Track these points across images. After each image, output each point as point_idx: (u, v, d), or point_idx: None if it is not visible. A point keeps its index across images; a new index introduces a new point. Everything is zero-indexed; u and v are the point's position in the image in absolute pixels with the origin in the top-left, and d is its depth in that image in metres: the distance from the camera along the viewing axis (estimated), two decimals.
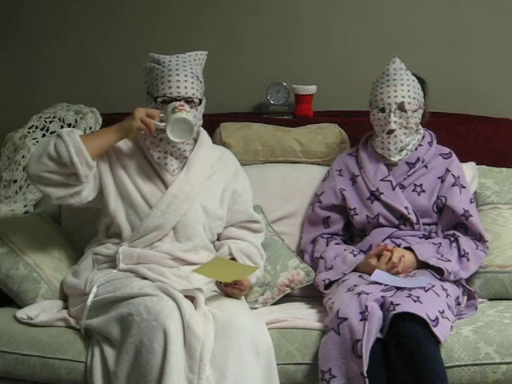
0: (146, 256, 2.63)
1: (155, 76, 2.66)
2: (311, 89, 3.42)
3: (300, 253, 2.98)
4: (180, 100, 2.62)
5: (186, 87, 2.63)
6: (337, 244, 2.92)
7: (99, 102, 3.39)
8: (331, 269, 2.81)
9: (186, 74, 2.64)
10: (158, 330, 2.31)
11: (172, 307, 2.37)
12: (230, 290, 2.55)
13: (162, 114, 2.61)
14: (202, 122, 2.74)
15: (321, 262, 2.87)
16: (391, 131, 2.86)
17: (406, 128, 2.87)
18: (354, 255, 2.82)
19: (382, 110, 2.87)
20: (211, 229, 2.73)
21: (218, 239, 2.79)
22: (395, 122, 2.85)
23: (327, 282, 2.77)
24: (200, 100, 2.67)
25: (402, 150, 2.90)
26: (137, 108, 2.62)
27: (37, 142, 3.23)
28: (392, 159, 2.90)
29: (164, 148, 2.67)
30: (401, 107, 2.84)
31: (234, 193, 2.78)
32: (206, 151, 2.74)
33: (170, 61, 2.67)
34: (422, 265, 2.75)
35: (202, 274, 2.53)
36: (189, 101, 2.64)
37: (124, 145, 2.71)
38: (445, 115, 3.34)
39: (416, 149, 2.93)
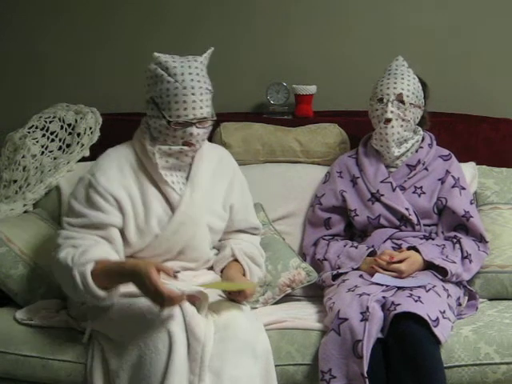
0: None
1: (166, 91, 2.44)
2: (311, 89, 3.42)
3: (302, 256, 2.97)
4: (195, 122, 2.46)
5: (201, 107, 2.45)
6: (335, 242, 2.92)
7: (99, 102, 3.38)
8: (339, 268, 2.81)
9: (201, 91, 2.45)
10: (162, 331, 2.29)
11: (174, 307, 2.34)
12: (234, 297, 2.50)
13: None
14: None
15: (325, 264, 2.87)
16: (388, 120, 2.86)
17: (403, 120, 2.87)
18: (356, 247, 2.84)
19: (381, 100, 2.88)
20: (214, 242, 2.69)
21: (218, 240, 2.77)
22: (392, 111, 2.85)
23: (335, 273, 2.78)
24: (212, 115, 2.51)
25: (400, 145, 2.90)
26: (150, 270, 2.26)
27: (36, 141, 3.23)
28: (392, 151, 2.88)
29: (170, 164, 2.52)
30: (399, 98, 2.85)
31: (232, 207, 2.69)
32: (205, 159, 2.61)
33: (182, 73, 2.44)
34: (427, 266, 2.75)
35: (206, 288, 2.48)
36: (202, 120, 2.49)
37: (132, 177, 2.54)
38: (445, 115, 3.34)
39: (416, 151, 2.94)
